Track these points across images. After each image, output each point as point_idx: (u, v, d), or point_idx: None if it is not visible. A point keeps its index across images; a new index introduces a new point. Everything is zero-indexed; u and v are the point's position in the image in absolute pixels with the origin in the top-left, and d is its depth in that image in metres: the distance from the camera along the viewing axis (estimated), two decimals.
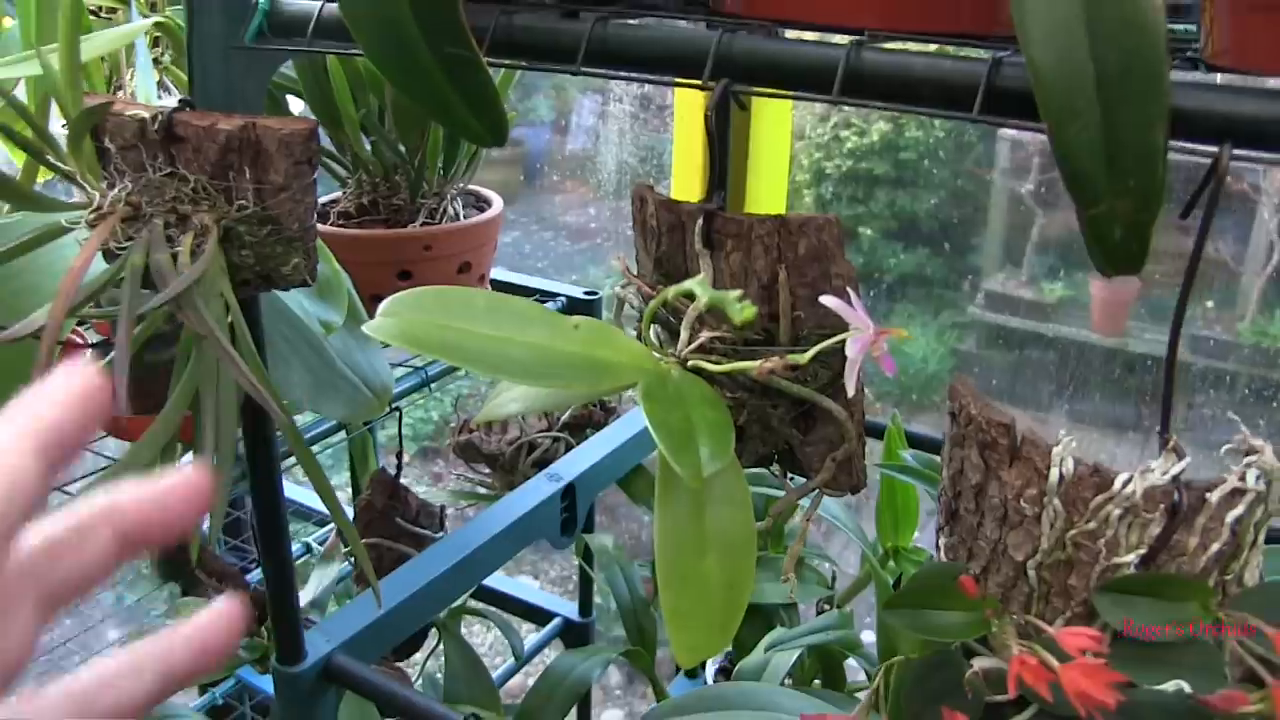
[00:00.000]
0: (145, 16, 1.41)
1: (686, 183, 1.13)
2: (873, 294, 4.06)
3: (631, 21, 0.48)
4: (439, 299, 0.42)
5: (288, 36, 0.59)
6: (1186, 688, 0.37)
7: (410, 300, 0.42)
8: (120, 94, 1.16)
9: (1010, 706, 0.39)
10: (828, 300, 0.40)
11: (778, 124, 0.98)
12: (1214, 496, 0.38)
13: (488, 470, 1.27)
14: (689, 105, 1.06)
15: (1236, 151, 0.36)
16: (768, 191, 1.00)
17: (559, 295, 1.29)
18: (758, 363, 0.40)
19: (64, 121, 0.71)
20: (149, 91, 1.29)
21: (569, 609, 1.29)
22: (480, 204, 1.17)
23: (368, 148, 1.09)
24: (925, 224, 4.17)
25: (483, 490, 1.26)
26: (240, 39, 0.60)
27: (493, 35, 0.48)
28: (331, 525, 1.43)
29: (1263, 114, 0.36)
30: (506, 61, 0.48)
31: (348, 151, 1.09)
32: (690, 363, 0.43)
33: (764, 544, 0.96)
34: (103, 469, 0.98)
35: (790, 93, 0.43)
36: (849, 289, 0.42)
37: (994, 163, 4.15)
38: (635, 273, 0.48)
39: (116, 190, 0.56)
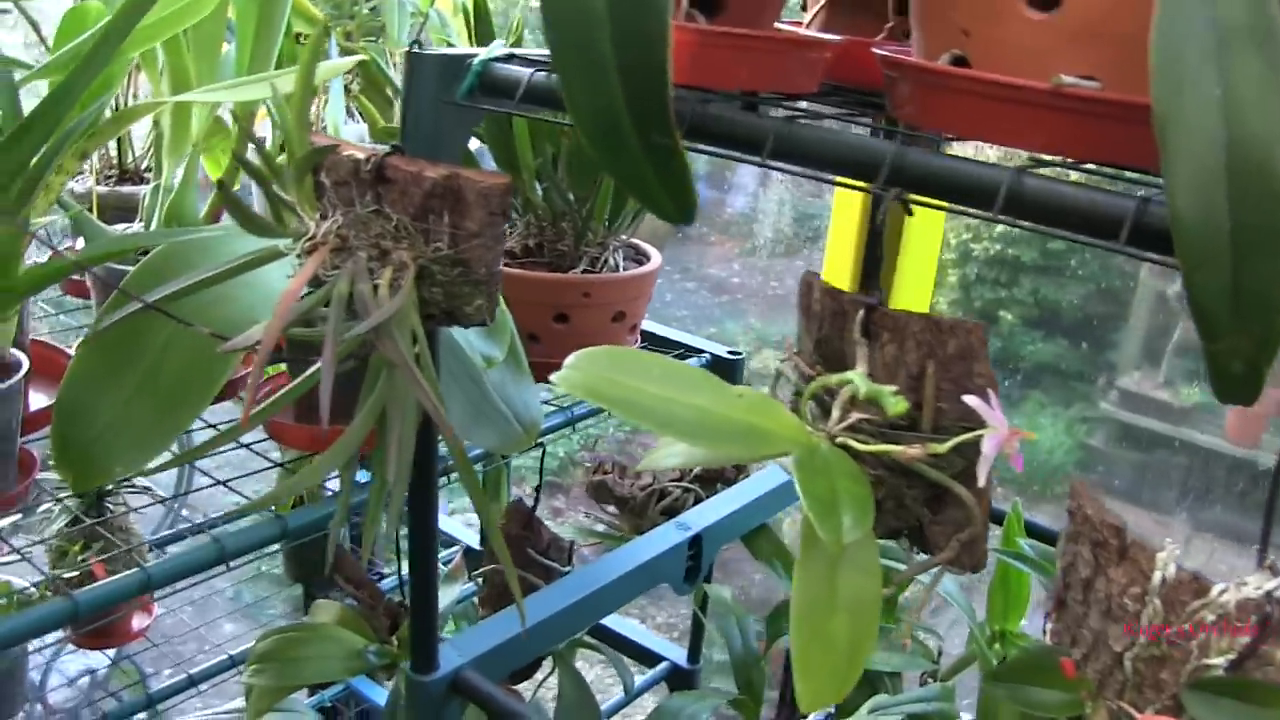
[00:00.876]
0: (342, 46, 1.51)
1: (839, 267, 1.18)
2: (1007, 381, 4.03)
3: (812, 122, 0.53)
4: (618, 359, 0.48)
5: (495, 97, 0.66)
6: None
7: (593, 358, 0.48)
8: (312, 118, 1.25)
9: None
10: (970, 400, 0.44)
11: (930, 226, 1.02)
12: None
13: (615, 511, 1.32)
14: (848, 195, 1.11)
15: None
16: (913, 285, 1.05)
17: (704, 352, 1.34)
18: (902, 447, 0.44)
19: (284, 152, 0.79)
20: (337, 119, 1.39)
21: (678, 654, 1.33)
22: (639, 256, 1.23)
23: (539, 193, 1.16)
24: (1067, 315, 4.13)
25: (610, 530, 1.32)
26: (452, 95, 0.67)
27: (690, 121, 0.54)
28: (455, 548, 1.50)
29: None
30: (700, 146, 0.54)
31: (520, 195, 1.16)
32: (839, 439, 0.47)
33: None
34: (266, 469, 1.06)
35: (954, 206, 0.47)
36: (989, 389, 0.46)
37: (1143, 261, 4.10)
38: (796, 350, 0.53)
39: (329, 222, 0.63)
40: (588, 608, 0.93)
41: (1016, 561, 0.89)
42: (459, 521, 1.69)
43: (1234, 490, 3.46)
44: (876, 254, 0.51)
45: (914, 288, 1.07)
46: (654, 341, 1.36)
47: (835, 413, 0.48)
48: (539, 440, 1.17)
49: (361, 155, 0.63)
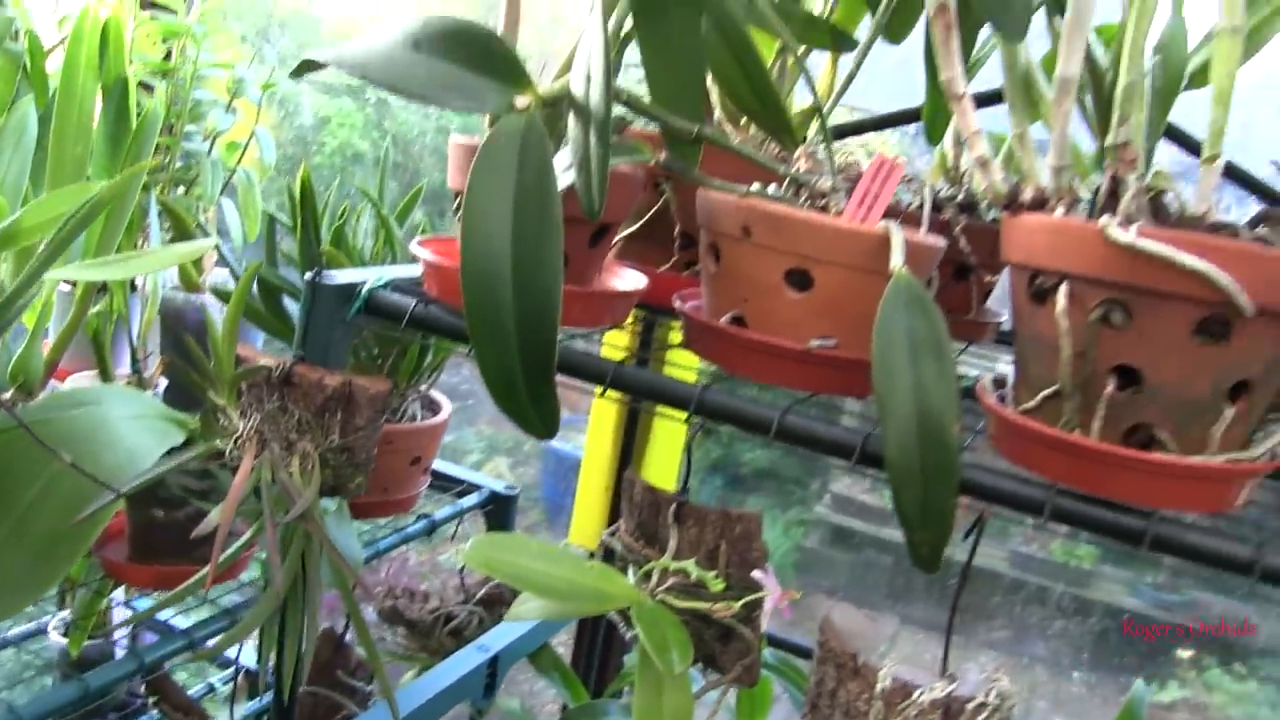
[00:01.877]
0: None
1: (598, 455, 1.41)
2: (727, 486, 4.33)
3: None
4: (504, 543, 0.66)
5: (380, 318, 0.83)
6: None
7: (487, 541, 0.66)
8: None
9: None
10: (756, 574, 0.65)
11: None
12: (970, 706, 0.63)
13: (405, 633, 1.47)
14: (602, 416, 1.34)
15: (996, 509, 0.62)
16: (661, 461, 1.29)
17: (483, 487, 1.52)
18: (711, 605, 0.64)
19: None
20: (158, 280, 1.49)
21: None
22: (433, 406, 1.41)
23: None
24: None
25: (401, 651, 1.46)
26: (343, 315, 0.84)
27: None
28: (231, 669, 1.60)
29: (1015, 491, 0.63)
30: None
31: None
32: (659, 597, 0.67)
33: None
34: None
35: (736, 428, 0.68)
36: (765, 562, 0.67)
37: None
38: (621, 529, 0.73)
39: (250, 421, 0.79)
40: None
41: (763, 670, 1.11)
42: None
43: (934, 586, 3.86)
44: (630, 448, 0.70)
45: (663, 464, 1.30)
46: (441, 478, 1.52)
47: (654, 578, 0.68)
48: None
49: (272, 364, 0.80)
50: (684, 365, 1.01)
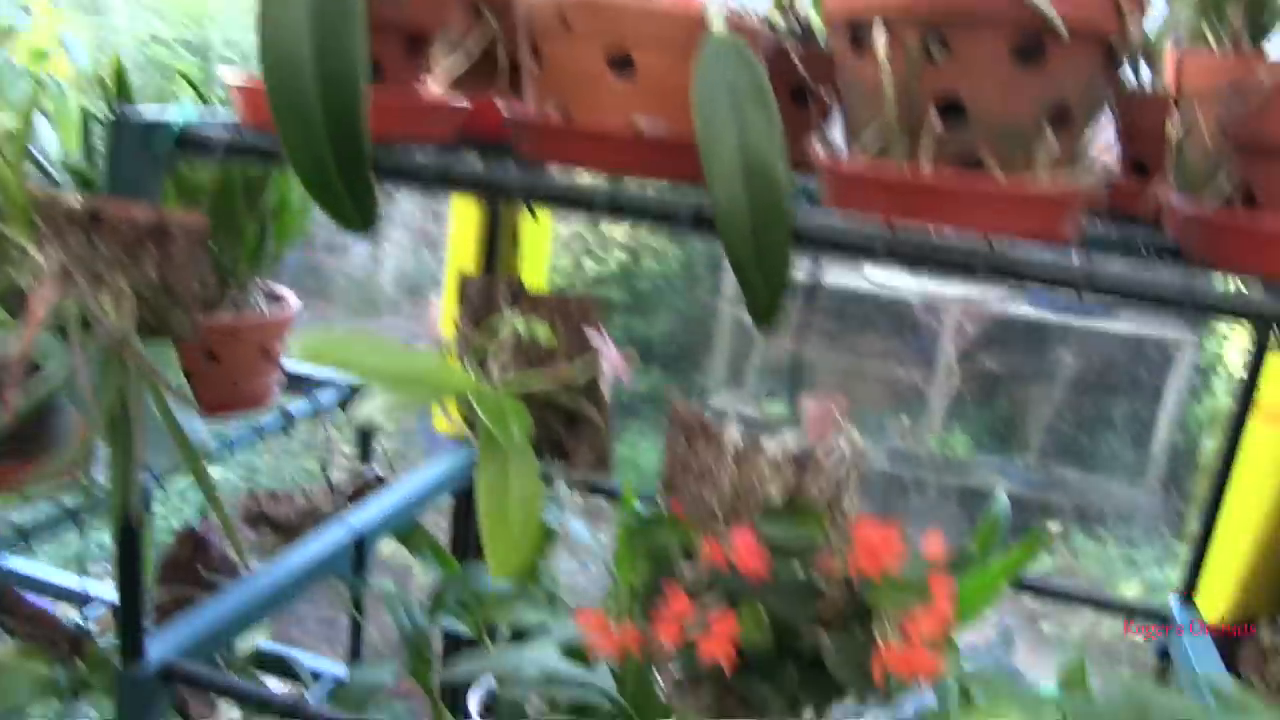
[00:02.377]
0: None
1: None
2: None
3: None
4: (337, 339, 0.64)
5: (193, 150, 0.79)
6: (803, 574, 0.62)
7: (317, 337, 0.64)
8: None
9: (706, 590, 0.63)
10: (589, 331, 0.64)
11: (541, 233, 1.25)
12: (821, 457, 0.63)
13: (272, 536, 1.43)
14: (466, 211, 1.30)
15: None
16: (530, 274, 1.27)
17: (343, 384, 1.48)
18: (544, 371, 0.63)
19: None
20: None
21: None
22: (278, 299, 1.36)
23: None
24: (658, 347, 4.52)
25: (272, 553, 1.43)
26: (153, 151, 0.80)
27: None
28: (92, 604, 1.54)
29: (848, 231, 0.62)
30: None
31: None
32: (501, 384, 0.66)
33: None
34: None
35: (564, 209, 0.67)
36: (602, 333, 0.66)
37: (720, 292, 4.58)
38: (459, 328, 0.71)
39: (51, 256, 0.75)
40: (274, 597, 1.06)
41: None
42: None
43: None
44: (494, 258, 0.68)
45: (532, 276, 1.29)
46: (295, 378, 1.48)
47: (494, 365, 0.66)
48: None
49: (75, 203, 0.75)
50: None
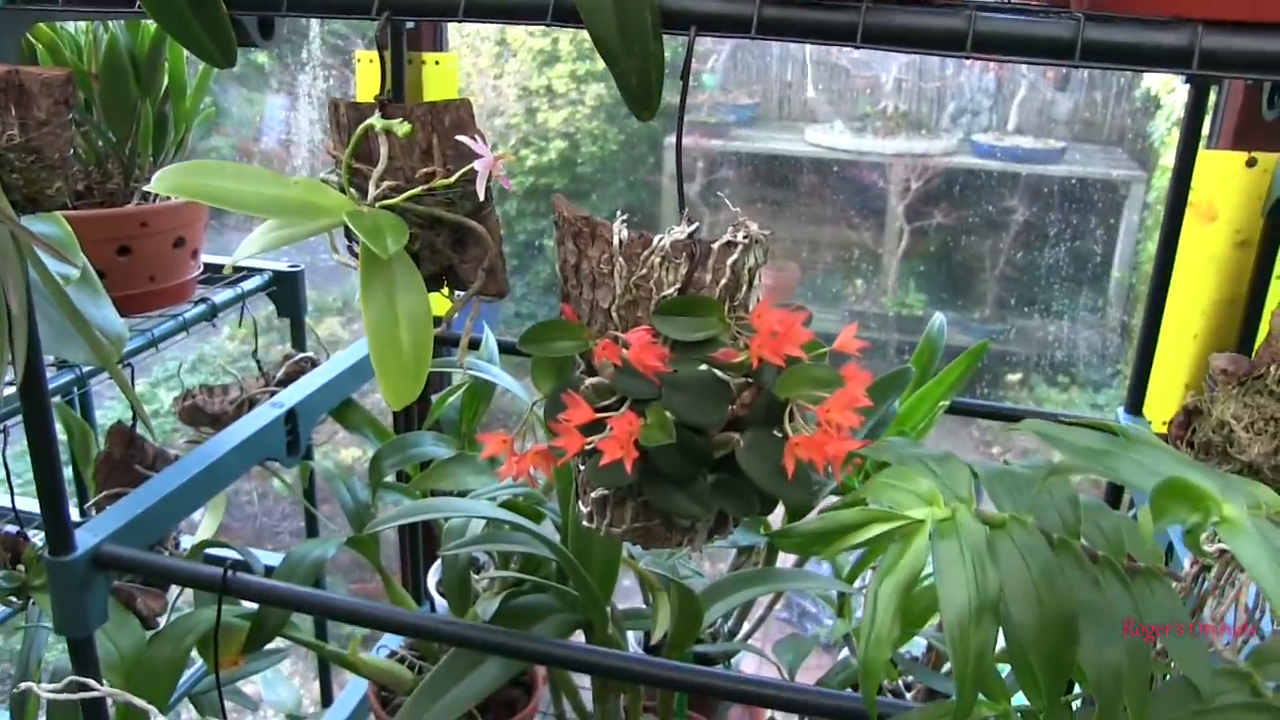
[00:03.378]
0: None
1: None
2: (552, 301, 4.32)
3: None
4: (199, 168, 0.61)
5: (39, 4, 0.75)
6: (705, 367, 0.60)
7: (176, 169, 0.60)
8: None
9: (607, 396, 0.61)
10: (461, 137, 0.61)
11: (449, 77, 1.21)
12: (716, 246, 0.61)
13: (211, 430, 1.41)
14: (367, 77, 1.26)
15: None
16: None
17: (265, 270, 1.45)
18: (420, 188, 0.60)
19: None
20: None
21: None
22: None
23: (80, 138, 1.22)
24: None
25: None
26: None
27: None
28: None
29: (718, 11, 0.59)
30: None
31: None
32: (378, 205, 0.63)
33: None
34: None
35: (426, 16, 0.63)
36: (476, 137, 0.63)
37: (663, 170, 4.52)
38: (333, 156, 0.68)
39: None
40: (206, 481, 1.04)
41: None
42: None
43: None
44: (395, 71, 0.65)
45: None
46: (214, 269, 1.45)
47: (371, 188, 0.64)
48: (126, 362, 1.25)
49: None
50: None
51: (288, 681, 1.73)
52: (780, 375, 0.60)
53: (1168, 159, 3.61)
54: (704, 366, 0.61)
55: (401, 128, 0.60)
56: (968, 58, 0.56)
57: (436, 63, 1.26)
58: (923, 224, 4.33)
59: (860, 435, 0.66)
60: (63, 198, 0.76)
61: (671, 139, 4.21)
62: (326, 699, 1.67)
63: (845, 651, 1.18)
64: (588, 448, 0.60)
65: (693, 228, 0.61)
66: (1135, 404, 1.25)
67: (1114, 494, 1.26)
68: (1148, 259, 4.04)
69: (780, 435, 0.62)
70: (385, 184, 0.63)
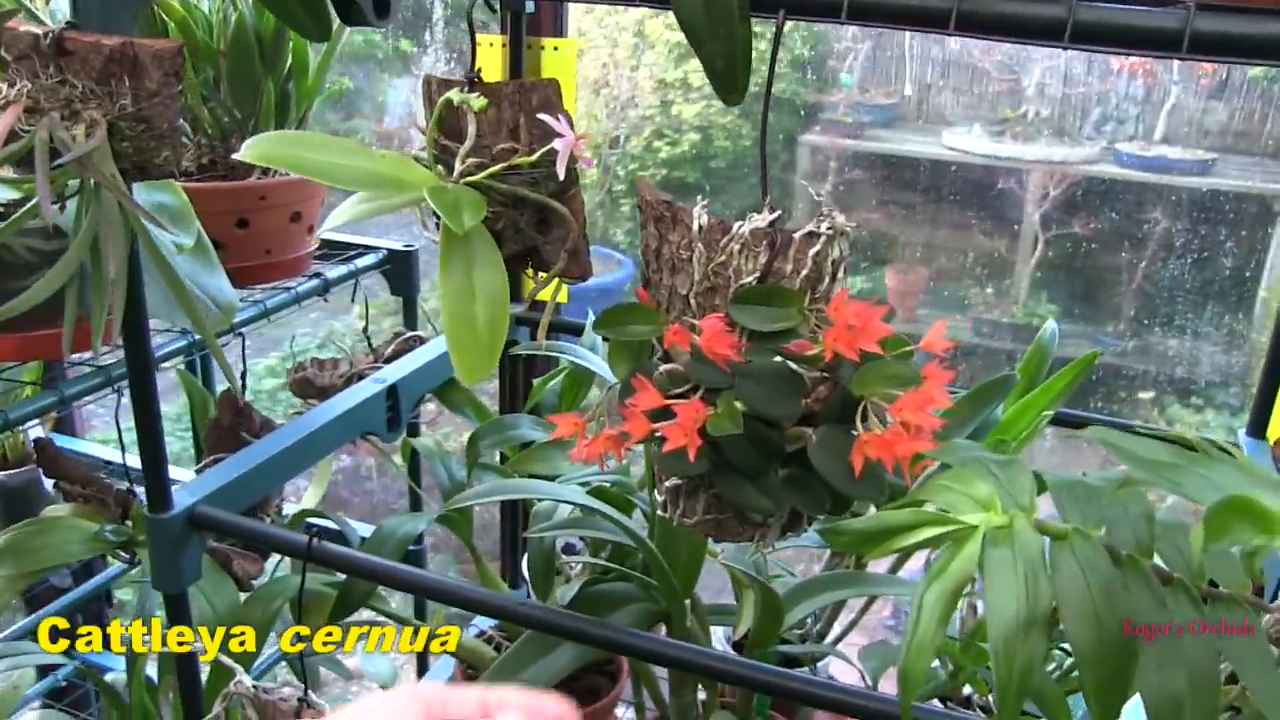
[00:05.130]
0: None
1: None
2: None
3: None
4: (286, 138, 0.62)
5: None
6: (780, 359, 0.59)
7: (267, 137, 0.61)
8: None
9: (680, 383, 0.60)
10: (542, 115, 0.61)
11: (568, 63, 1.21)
12: (798, 235, 0.60)
13: (320, 403, 1.44)
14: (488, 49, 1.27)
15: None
16: None
17: (380, 249, 1.48)
18: (501, 166, 0.60)
19: None
20: None
21: None
22: None
23: (206, 113, 1.25)
24: None
25: None
26: None
27: None
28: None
29: None
30: None
31: (189, 115, 1.26)
32: (462, 181, 0.63)
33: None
34: None
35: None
36: (562, 117, 0.62)
37: (796, 168, 4.49)
38: (428, 133, 0.68)
39: (18, 87, 0.73)
40: (304, 449, 1.06)
41: None
42: None
43: None
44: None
45: None
46: (331, 245, 1.48)
47: (457, 165, 0.64)
48: (239, 331, 1.28)
49: (39, 30, 0.74)
50: None
51: (386, 656, 1.76)
52: (857, 371, 0.59)
53: None
54: (778, 358, 0.59)
55: (478, 102, 0.60)
56: (1066, 48, 0.54)
57: (555, 48, 1.27)
58: (1059, 233, 4.21)
59: (955, 439, 0.64)
60: (170, 166, 0.78)
61: (806, 137, 4.18)
62: (423, 674, 1.69)
63: (934, 661, 1.16)
64: (655, 435, 0.59)
65: (774, 216, 0.60)
66: (1259, 425, 1.20)
67: None
68: None
69: (854, 432, 0.61)
70: (471, 161, 0.63)
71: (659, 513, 0.70)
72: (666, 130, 4.51)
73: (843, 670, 1.26)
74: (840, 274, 0.63)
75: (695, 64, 4.53)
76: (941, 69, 4.42)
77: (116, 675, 1.41)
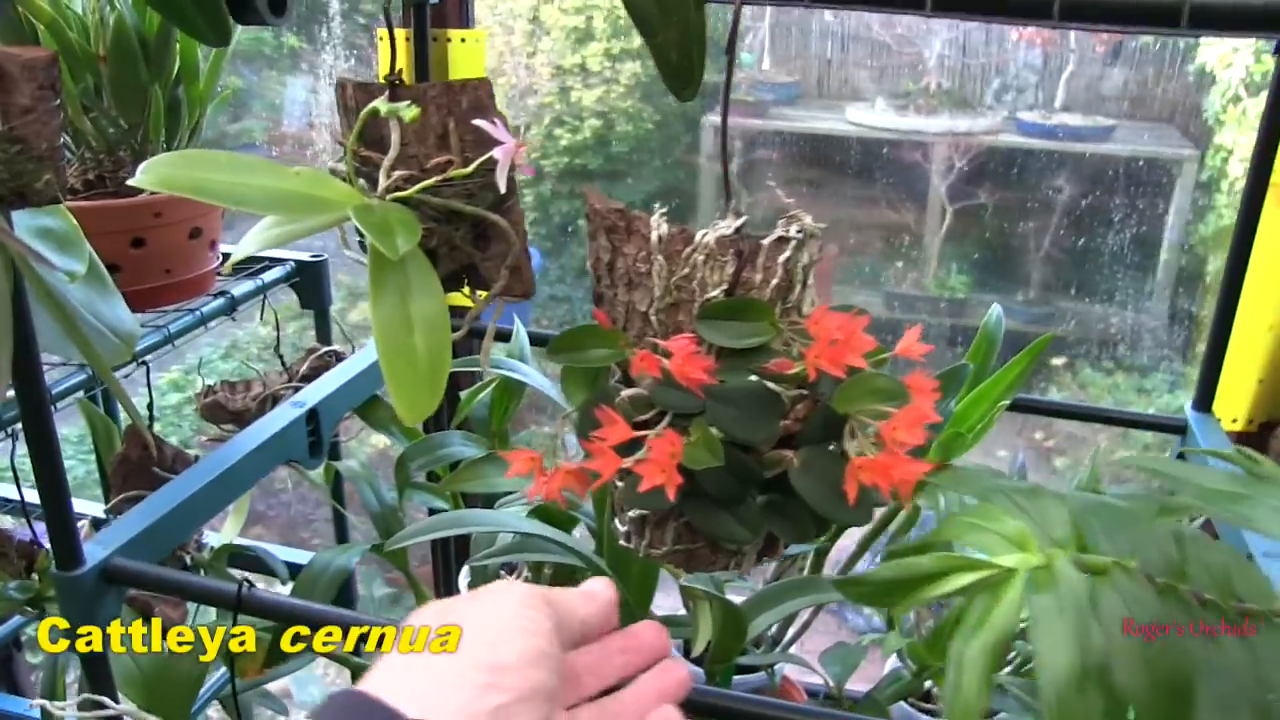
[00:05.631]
0: None
1: None
2: (587, 283, 4.24)
3: None
4: (187, 158, 0.54)
5: None
6: (755, 378, 0.53)
7: (164, 159, 0.54)
8: None
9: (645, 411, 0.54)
10: (478, 121, 0.54)
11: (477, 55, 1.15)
12: (766, 242, 0.54)
13: (232, 428, 1.36)
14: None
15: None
16: None
17: (288, 260, 1.39)
18: (435, 179, 0.54)
19: None
20: None
21: None
22: None
23: (89, 125, 1.16)
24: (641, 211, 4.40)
25: None
26: None
27: None
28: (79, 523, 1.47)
29: None
30: None
31: (70, 128, 1.17)
32: (389, 197, 0.56)
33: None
34: None
35: None
36: (497, 121, 0.56)
37: (700, 149, 4.44)
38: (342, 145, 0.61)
39: None
40: (223, 486, 0.98)
41: None
42: None
43: None
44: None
45: None
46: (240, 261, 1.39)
47: (382, 179, 0.57)
48: (141, 360, 1.19)
49: None
50: None
51: (320, 682, 1.69)
52: (839, 386, 0.54)
53: (1222, 137, 3.49)
54: (754, 377, 0.54)
55: (409, 112, 0.53)
56: (1056, 27, 0.49)
57: (463, 40, 1.20)
58: (966, 204, 4.22)
59: (955, 462, 0.59)
60: (53, 191, 0.70)
61: (709, 118, 4.15)
62: None
63: (894, 661, 1.12)
64: (625, 469, 0.53)
65: (740, 221, 0.54)
66: (1205, 400, 1.17)
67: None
68: (1199, 241, 3.93)
69: (838, 452, 0.55)
70: (397, 174, 0.57)
71: (622, 543, 0.64)
72: (566, 118, 4.44)
73: (800, 675, 1.22)
74: (809, 280, 0.57)
75: (593, 49, 4.47)
76: (842, 44, 4.41)
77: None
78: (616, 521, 0.65)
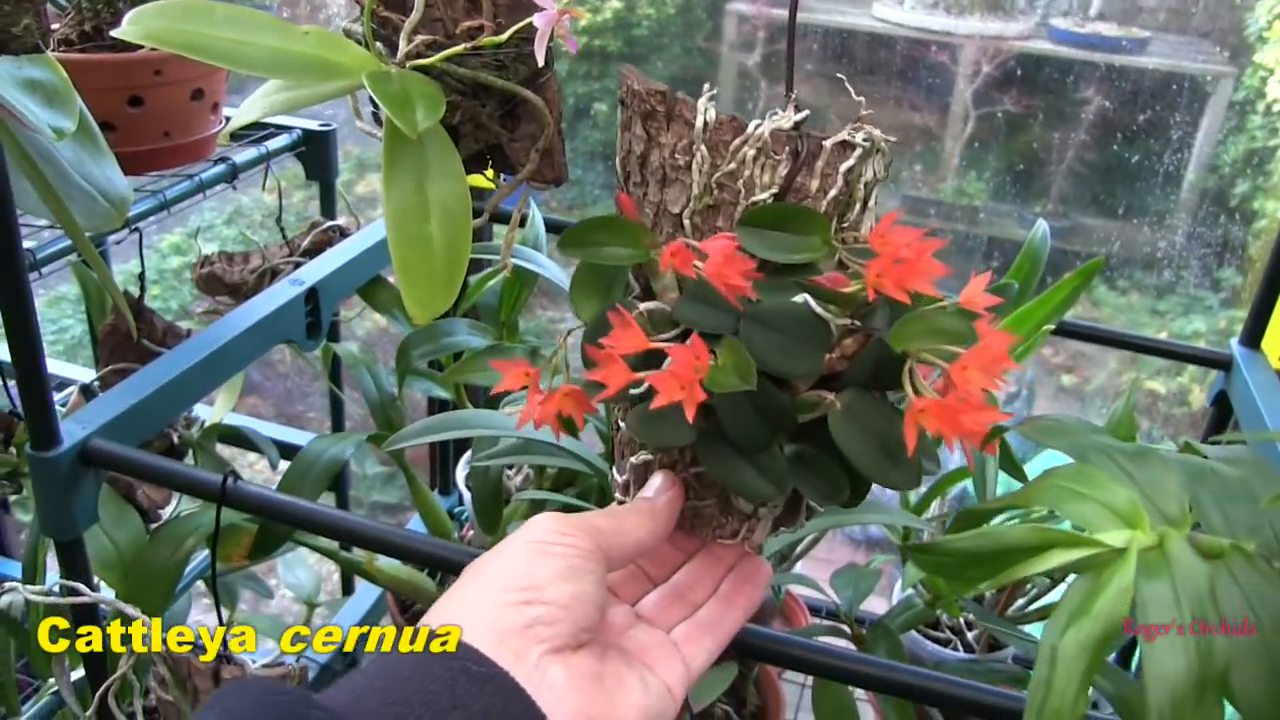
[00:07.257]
0: None
1: None
2: (601, 167, 4.15)
3: None
4: (184, 8, 0.48)
5: None
6: (807, 298, 0.47)
7: (155, 9, 0.47)
8: None
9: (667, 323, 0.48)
10: None
11: None
12: (828, 144, 0.48)
13: (229, 300, 1.30)
14: None
15: None
16: None
17: (295, 128, 1.32)
18: (462, 47, 0.47)
19: None
20: None
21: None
22: None
23: None
24: None
25: None
26: None
27: None
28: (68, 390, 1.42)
29: None
30: None
31: None
32: (410, 65, 0.50)
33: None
34: None
35: None
36: None
37: (722, 37, 4.31)
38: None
39: None
40: (213, 366, 0.93)
41: None
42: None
43: None
44: None
45: None
46: (246, 127, 1.32)
47: (402, 43, 0.50)
48: (134, 227, 1.13)
49: None
50: None
51: (307, 564, 1.65)
52: (897, 321, 0.47)
53: (1263, 55, 3.38)
54: (800, 298, 0.47)
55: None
56: None
57: None
58: (990, 110, 4.11)
59: (1053, 413, 0.52)
60: (33, 38, 0.63)
61: (734, 5, 4.03)
62: (348, 588, 1.58)
63: (901, 587, 1.08)
64: (634, 391, 0.47)
65: (801, 116, 0.48)
66: (1254, 336, 1.12)
67: None
68: (1227, 163, 3.82)
69: (886, 401, 0.49)
70: (420, 39, 0.50)
71: (618, 495, 0.58)
72: None
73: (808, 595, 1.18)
74: (872, 202, 0.51)
75: None
76: None
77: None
78: (614, 470, 0.59)
